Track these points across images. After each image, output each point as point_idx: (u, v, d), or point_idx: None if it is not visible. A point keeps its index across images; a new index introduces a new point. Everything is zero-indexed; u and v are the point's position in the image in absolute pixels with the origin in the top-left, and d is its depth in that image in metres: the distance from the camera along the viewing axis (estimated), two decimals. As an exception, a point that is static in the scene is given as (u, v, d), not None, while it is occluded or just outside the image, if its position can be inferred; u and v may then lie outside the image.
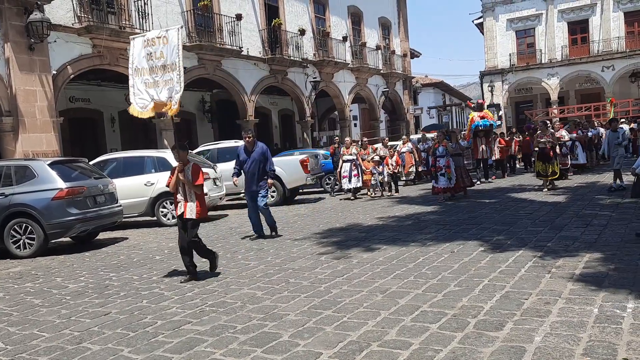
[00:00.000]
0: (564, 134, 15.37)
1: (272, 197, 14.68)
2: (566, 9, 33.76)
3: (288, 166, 14.62)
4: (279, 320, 4.63)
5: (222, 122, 23.66)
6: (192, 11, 18.04)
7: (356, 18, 28.10)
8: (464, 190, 12.80)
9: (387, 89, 29.87)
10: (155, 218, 12.17)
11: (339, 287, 5.51)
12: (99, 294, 6.12)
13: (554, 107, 33.48)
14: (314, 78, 23.68)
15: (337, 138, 18.06)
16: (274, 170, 9.02)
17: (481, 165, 16.40)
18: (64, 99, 16.84)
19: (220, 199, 13.34)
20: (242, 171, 9.04)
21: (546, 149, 12.31)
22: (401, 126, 32.06)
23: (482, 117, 15.78)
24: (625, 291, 4.63)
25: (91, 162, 11.60)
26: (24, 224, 9.09)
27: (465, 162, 20.12)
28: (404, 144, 17.99)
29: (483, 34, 36.93)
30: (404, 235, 8.32)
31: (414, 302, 4.83)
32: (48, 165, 9.45)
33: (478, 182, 15.35)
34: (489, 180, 16.23)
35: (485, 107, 17.29)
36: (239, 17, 19.41)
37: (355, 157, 14.29)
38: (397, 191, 15.29)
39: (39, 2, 13.03)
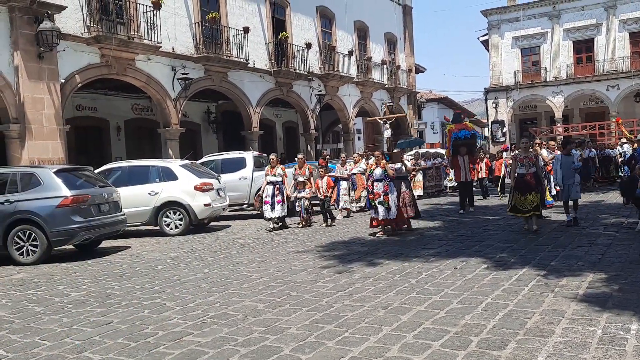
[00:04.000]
0: (545, 153, 13.26)
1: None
2: (572, 28, 33.93)
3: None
4: (281, 333, 4.61)
5: (227, 133, 23.75)
6: (200, 23, 18.20)
7: (362, 33, 28.29)
8: (407, 224, 10.46)
9: (392, 104, 29.95)
10: (158, 227, 12.19)
11: (340, 302, 5.50)
12: (100, 303, 6.12)
13: (559, 125, 33.53)
14: (319, 91, 23.79)
15: (325, 152, 15.50)
16: None
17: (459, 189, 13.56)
18: (71, 107, 16.95)
19: (224, 209, 13.36)
20: None
21: (527, 175, 9.43)
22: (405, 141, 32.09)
23: (462, 129, 13.40)
24: (629, 312, 4.60)
25: (96, 171, 11.65)
26: (28, 231, 9.10)
27: (429, 184, 17.68)
28: (355, 163, 14.67)
29: (488, 51, 37.11)
30: (406, 250, 8.31)
31: (416, 318, 4.81)
32: (54, 172, 9.48)
33: (461, 211, 12.95)
34: (471, 209, 13.24)
35: (466, 120, 14.26)
36: (246, 29, 19.57)
37: (281, 179, 12.04)
38: (332, 222, 12.23)
39: (49, 12, 13.18)
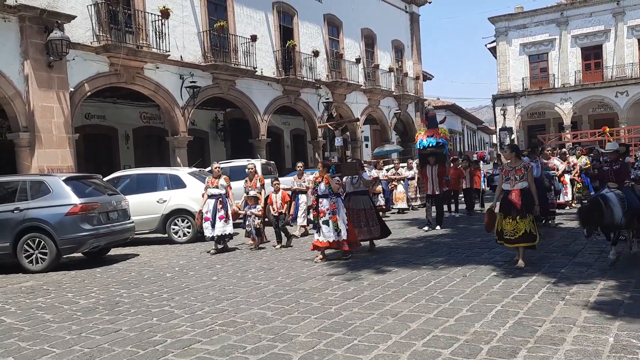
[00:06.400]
0: (556, 163, 12.54)
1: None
2: (580, 35, 33.84)
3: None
4: (289, 341, 4.59)
5: (235, 141, 23.82)
6: (208, 32, 18.31)
7: (369, 40, 28.35)
8: (370, 243, 9.17)
9: (399, 111, 29.96)
10: (166, 235, 12.22)
11: (349, 309, 5.47)
12: (109, 310, 6.13)
13: (567, 131, 33.37)
14: (326, 99, 23.84)
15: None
16: None
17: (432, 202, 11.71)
18: (80, 116, 17.07)
19: (232, 217, 13.34)
20: None
21: (511, 193, 7.19)
22: (412, 148, 32.06)
23: (430, 136, 11.84)
24: (641, 320, 4.55)
25: (105, 179, 11.71)
26: (37, 239, 9.15)
27: (413, 196, 15.74)
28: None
29: (496, 58, 37.06)
30: (415, 257, 8.27)
31: (425, 326, 4.78)
32: (63, 180, 9.54)
33: (425, 227, 11.45)
34: (437, 227, 11.51)
35: (442, 124, 12.89)
36: (254, 38, 19.67)
37: (224, 192, 10.31)
38: (289, 241, 10.50)
39: (59, 21, 13.33)
